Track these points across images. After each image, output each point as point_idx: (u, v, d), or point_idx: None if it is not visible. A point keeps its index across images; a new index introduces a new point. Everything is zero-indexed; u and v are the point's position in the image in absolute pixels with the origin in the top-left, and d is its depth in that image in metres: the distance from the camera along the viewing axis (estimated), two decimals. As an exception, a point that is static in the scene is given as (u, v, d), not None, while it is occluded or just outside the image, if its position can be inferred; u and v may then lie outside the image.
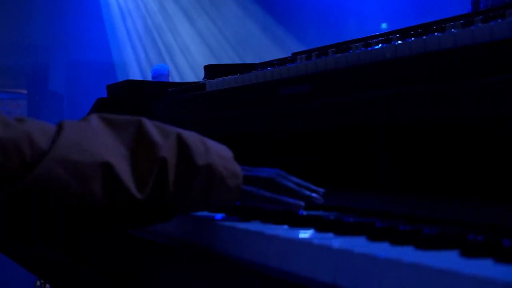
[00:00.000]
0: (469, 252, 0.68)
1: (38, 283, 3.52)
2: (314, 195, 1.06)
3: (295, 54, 1.73)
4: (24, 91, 9.27)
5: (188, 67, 8.98)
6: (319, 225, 0.89)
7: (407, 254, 0.69)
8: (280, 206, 1.01)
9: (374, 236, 0.80)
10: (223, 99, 1.64)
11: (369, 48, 1.23)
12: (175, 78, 8.40)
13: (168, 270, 1.06)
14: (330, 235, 0.85)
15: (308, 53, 1.55)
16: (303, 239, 0.78)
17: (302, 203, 1.00)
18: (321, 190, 1.09)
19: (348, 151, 1.31)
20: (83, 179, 0.90)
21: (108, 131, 0.97)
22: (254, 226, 0.92)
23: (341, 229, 0.85)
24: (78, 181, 0.90)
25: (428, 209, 0.97)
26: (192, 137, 1.00)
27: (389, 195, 1.09)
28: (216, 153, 1.00)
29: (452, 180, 1.07)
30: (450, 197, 0.99)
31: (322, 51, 1.50)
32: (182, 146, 0.98)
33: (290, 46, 7.78)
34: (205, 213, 1.10)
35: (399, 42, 1.17)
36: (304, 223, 0.93)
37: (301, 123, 1.35)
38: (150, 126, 0.99)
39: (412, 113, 1.08)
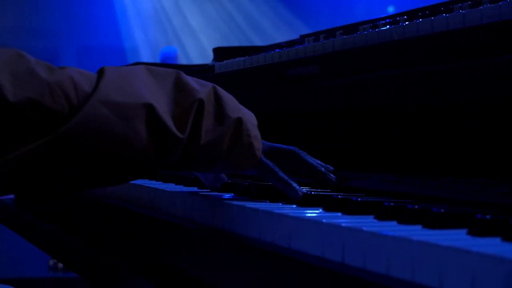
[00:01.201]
0: (477, 231, 0.68)
1: (51, 262, 3.54)
2: (331, 176, 1.09)
3: (303, 37, 1.73)
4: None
5: (197, 50, 8.97)
6: (328, 205, 0.89)
7: (415, 232, 0.69)
8: (285, 188, 1.02)
9: (382, 215, 0.80)
10: (231, 81, 1.64)
11: (376, 30, 1.23)
12: (184, 61, 8.39)
13: (176, 247, 1.06)
14: (339, 214, 0.85)
15: (315, 35, 1.55)
16: (312, 218, 0.79)
17: (300, 194, 1.00)
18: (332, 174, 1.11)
19: (356, 131, 1.31)
20: (128, 119, 0.92)
21: (149, 76, 1.00)
22: (263, 205, 0.93)
23: (349, 209, 0.85)
24: (123, 121, 0.92)
25: (436, 189, 0.97)
26: (226, 93, 1.04)
27: (397, 175, 1.09)
28: (247, 114, 1.04)
29: (460, 160, 1.07)
30: (458, 177, 0.99)
31: (330, 33, 1.50)
32: (217, 96, 1.02)
33: (298, 30, 7.76)
34: (214, 193, 1.10)
35: (407, 23, 1.17)
36: (313, 203, 0.93)
37: (309, 104, 1.35)
38: (188, 77, 1.03)
39: (420, 94, 1.08)
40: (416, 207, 0.78)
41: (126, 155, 0.93)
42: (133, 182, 1.27)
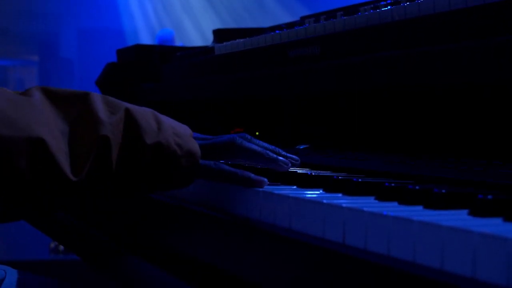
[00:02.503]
0: (478, 211, 0.68)
1: (52, 244, 3.55)
2: (281, 159, 0.99)
3: (303, 18, 1.72)
4: (36, 58, 9.29)
5: (197, 32, 8.95)
6: (328, 185, 0.89)
7: (416, 213, 0.68)
8: (240, 182, 0.94)
9: (383, 195, 0.80)
10: (231, 63, 1.64)
11: (377, 10, 1.23)
12: (184, 43, 8.38)
13: (177, 229, 1.06)
14: (339, 195, 0.85)
15: (316, 17, 1.55)
16: (312, 199, 0.78)
17: (264, 180, 0.93)
18: (294, 157, 1.03)
19: (357, 112, 1.31)
20: (7, 153, 0.84)
21: (49, 105, 0.91)
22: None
23: (350, 189, 0.85)
24: (1, 155, 0.84)
25: (437, 169, 0.97)
26: (144, 114, 0.93)
27: (398, 156, 1.08)
28: (171, 130, 0.94)
29: (462, 140, 1.06)
30: (459, 158, 0.99)
31: (330, 14, 1.50)
32: (130, 123, 0.92)
33: (298, 12, 7.74)
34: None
35: (408, 3, 1.16)
36: (313, 184, 0.93)
37: (310, 86, 1.34)
38: (98, 101, 0.92)
39: (421, 74, 1.07)
40: (417, 187, 0.78)
41: (5, 189, 0.85)
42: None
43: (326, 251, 0.72)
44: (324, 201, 0.76)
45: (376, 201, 0.80)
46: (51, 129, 0.88)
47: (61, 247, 3.54)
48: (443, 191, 0.74)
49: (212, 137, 1.00)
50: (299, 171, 1.02)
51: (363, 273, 0.66)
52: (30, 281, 1.28)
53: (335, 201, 0.75)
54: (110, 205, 1.31)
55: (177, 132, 0.94)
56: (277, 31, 1.52)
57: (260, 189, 0.88)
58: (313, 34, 1.36)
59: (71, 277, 3.22)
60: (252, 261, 0.85)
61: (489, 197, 0.69)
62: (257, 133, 1.57)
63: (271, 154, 0.99)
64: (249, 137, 1.01)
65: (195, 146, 0.94)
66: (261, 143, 1.01)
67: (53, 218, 1.67)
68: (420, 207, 0.73)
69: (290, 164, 1.00)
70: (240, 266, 0.87)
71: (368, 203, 0.77)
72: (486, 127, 1.04)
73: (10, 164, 0.84)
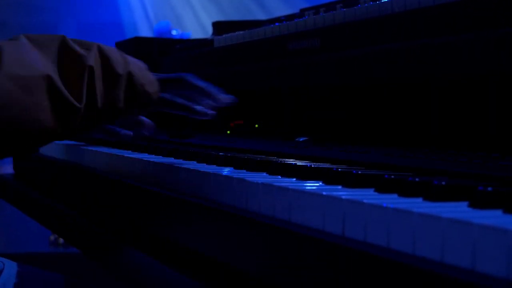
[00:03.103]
0: (478, 203, 0.68)
1: (51, 237, 3.55)
2: (220, 95, 1.18)
3: (303, 10, 1.72)
4: (34, 51, 9.29)
5: (196, 25, 8.94)
6: (328, 178, 0.89)
7: (416, 205, 0.68)
8: (187, 113, 1.14)
9: (383, 188, 0.80)
10: (231, 55, 1.63)
11: (377, 2, 1.22)
12: (178, 31, 8.35)
13: (177, 222, 1.06)
14: (339, 187, 0.85)
15: (316, 9, 1.54)
16: (312, 191, 0.78)
17: (209, 112, 1.14)
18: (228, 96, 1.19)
19: (356, 105, 1.31)
20: (31, 92, 0.94)
21: (34, 48, 1.00)
22: (262, 178, 0.92)
23: (349, 181, 0.85)
24: (27, 94, 0.94)
25: (437, 162, 0.96)
26: (111, 50, 1.08)
27: (397, 149, 1.08)
28: (134, 64, 1.10)
29: (462, 133, 1.06)
30: (459, 150, 0.99)
31: (330, 6, 1.49)
32: (104, 57, 1.06)
33: (298, 5, 7.72)
34: (212, 166, 1.10)
35: (409, -5, 1.15)
36: (313, 176, 0.93)
37: (310, 78, 1.34)
38: (72, 42, 1.05)
39: (421, 66, 1.07)
40: (417, 179, 0.77)
41: (31, 127, 0.96)
42: (127, 155, 1.28)
43: (326, 243, 0.72)
44: (324, 193, 0.76)
45: (376, 193, 0.80)
46: (47, 66, 0.99)
47: (61, 240, 3.54)
48: (443, 183, 0.74)
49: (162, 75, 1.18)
50: (299, 163, 1.02)
51: (362, 265, 0.66)
52: (29, 273, 1.28)
53: (335, 193, 0.75)
54: (111, 198, 1.31)
55: (139, 65, 1.11)
56: (276, 24, 1.51)
57: (260, 181, 0.88)
58: (312, 27, 1.36)
59: (71, 270, 3.22)
60: (251, 253, 0.85)
61: (489, 189, 0.69)
62: (256, 126, 1.56)
63: (213, 89, 1.18)
64: (196, 77, 1.20)
65: (153, 77, 1.13)
66: (205, 83, 1.20)
67: (52, 209, 1.67)
68: (420, 199, 0.73)
69: (209, 114, 1.18)
70: (240, 258, 0.87)
71: (368, 195, 0.77)
72: (486, 120, 1.03)
73: (36, 101, 0.96)
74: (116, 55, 1.08)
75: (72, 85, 0.99)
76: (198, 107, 1.15)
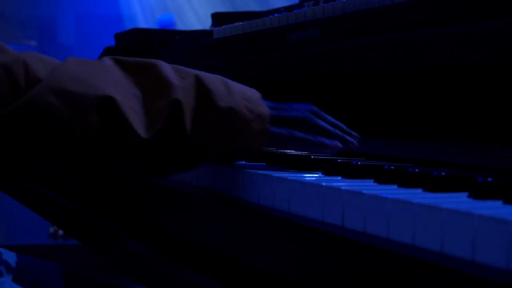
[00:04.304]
0: (478, 194, 0.68)
1: (51, 229, 3.55)
2: (349, 138, 0.99)
3: (302, 1, 1.72)
4: (34, 43, 9.27)
5: (195, 16, 8.92)
6: (327, 169, 0.88)
7: (416, 196, 0.68)
8: (314, 149, 0.95)
9: (382, 178, 0.79)
10: (230, 46, 1.63)
11: (378, -8, 1.22)
12: (182, 28, 8.36)
13: (177, 213, 1.06)
14: (338, 178, 0.85)
15: (315, 0, 1.54)
16: (311, 182, 0.78)
17: (340, 145, 0.95)
18: (356, 134, 1.02)
19: (357, 96, 1.31)
20: (78, 110, 0.86)
21: (120, 71, 0.92)
22: (261, 169, 0.92)
23: (349, 172, 0.85)
24: (72, 111, 0.86)
25: (437, 153, 0.96)
26: (213, 79, 0.94)
27: (398, 140, 1.08)
28: (240, 94, 0.94)
29: (462, 124, 1.06)
30: (459, 141, 0.99)
31: (330, -3, 1.49)
32: (201, 88, 0.92)
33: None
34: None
35: (409, -15, 1.15)
36: (312, 167, 0.92)
37: (309, 69, 1.34)
38: (167, 67, 0.94)
39: (421, 57, 1.07)
40: (417, 170, 0.77)
41: (76, 144, 0.87)
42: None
43: (326, 233, 0.71)
44: (323, 184, 0.76)
45: (376, 184, 0.79)
46: (122, 90, 0.89)
47: (61, 232, 3.54)
48: (443, 174, 0.74)
49: (281, 104, 1.00)
50: (298, 154, 1.02)
51: (362, 256, 0.66)
52: (28, 263, 1.28)
53: (334, 184, 0.75)
54: (113, 189, 1.31)
55: (247, 96, 0.94)
56: (276, 15, 1.51)
57: (259, 172, 0.88)
58: (312, 17, 1.35)
59: (70, 262, 3.22)
60: (250, 243, 0.85)
61: (489, 180, 0.68)
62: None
63: (340, 133, 0.99)
64: (317, 110, 1.01)
65: (264, 110, 0.94)
66: (329, 118, 1.01)
67: (51, 201, 1.67)
68: (419, 190, 0.73)
69: (356, 143, 0.99)
70: (239, 248, 0.87)
71: (368, 186, 0.77)
72: (486, 111, 1.03)
73: (83, 120, 0.86)
74: (218, 86, 0.93)
75: (149, 115, 0.89)
76: (327, 141, 0.95)
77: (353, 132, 1.01)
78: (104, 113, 0.87)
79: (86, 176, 0.94)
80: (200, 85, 0.92)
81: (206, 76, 0.94)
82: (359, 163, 0.86)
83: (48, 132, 0.86)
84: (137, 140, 0.88)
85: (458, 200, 0.67)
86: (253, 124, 0.92)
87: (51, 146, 0.87)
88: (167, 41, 1.97)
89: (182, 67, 0.96)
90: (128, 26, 8.93)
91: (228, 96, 0.92)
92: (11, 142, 0.86)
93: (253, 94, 0.96)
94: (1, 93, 0.84)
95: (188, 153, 0.92)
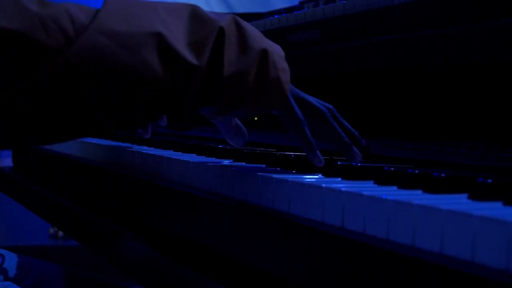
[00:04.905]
0: (478, 195, 0.68)
1: (51, 230, 3.55)
2: (354, 149, 0.98)
3: (302, 3, 1.72)
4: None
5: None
6: (327, 170, 0.89)
7: (416, 197, 0.68)
8: (306, 147, 0.94)
9: (382, 180, 0.80)
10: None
11: (377, -7, 1.22)
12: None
13: (177, 213, 1.06)
14: (338, 179, 0.85)
15: (315, 1, 1.54)
16: (311, 183, 0.78)
17: (322, 163, 0.93)
18: (364, 142, 1.02)
19: (356, 96, 1.31)
20: (134, 49, 0.83)
21: (160, 6, 0.90)
22: (261, 171, 0.92)
23: (349, 174, 0.85)
24: (128, 51, 0.83)
25: (437, 154, 0.96)
26: (248, 24, 0.95)
27: (396, 141, 1.08)
28: (272, 45, 0.95)
29: (462, 124, 1.06)
30: (459, 142, 0.99)
31: (329, -1, 1.49)
32: (239, 25, 0.93)
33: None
34: (212, 159, 1.10)
35: (409, -14, 1.15)
36: (312, 169, 0.93)
37: (309, 70, 1.34)
38: (204, 10, 0.93)
39: (422, 57, 1.07)
40: (417, 171, 0.77)
41: (137, 89, 0.84)
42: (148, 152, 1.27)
43: (325, 234, 0.71)
44: (323, 185, 0.76)
45: (375, 185, 0.79)
46: (168, 25, 0.87)
47: (61, 233, 3.54)
48: (443, 175, 0.74)
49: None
50: (298, 155, 1.02)
51: (362, 256, 0.66)
52: (29, 264, 1.28)
53: (334, 185, 0.75)
54: (113, 189, 1.31)
55: (277, 51, 0.95)
56: (276, 16, 1.51)
57: (259, 174, 0.88)
58: (312, 19, 1.36)
59: (71, 262, 3.22)
60: (250, 243, 0.85)
61: (489, 180, 0.69)
62: (255, 118, 1.56)
63: (347, 141, 0.98)
64: (335, 111, 1.01)
65: (287, 68, 0.96)
66: (344, 123, 1.01)
67: (51, 202, 1.67)
68: (419, 191, 0.73)
69: (360, 156, 0.98)
70: (240, 248, 0.87)
71: (367, 187, 0.77)
72: (486, 111, 1.03)
73: (141, 59, 0.84)
74: (253, 29, 0.94)
75: (195, 44, 0.87)
76: (318, 155, 0.94)
77: (363, 141, 1.01)
78: (158, 49, 0.85)
79: (143, 116, 0.91)
80: (237, 24, 0.93)
81: (241, 19, 0.95)
82: (358, 164, 0.86)
83: (109, 75, 0.83)
84: (192, 68, 0.87)
85: (458, 201, 0.67)
86: (281, 74, 0.94)
87: (113, 92, 0.84)
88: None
89: (217, 12, 0.96)
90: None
91: (261, 40, 0.94)
92: (74, 92, 0.81)
93: (280, 50, 0.97)
94: (56, 44, 0.80)
95: (222, 80, 0.90)
